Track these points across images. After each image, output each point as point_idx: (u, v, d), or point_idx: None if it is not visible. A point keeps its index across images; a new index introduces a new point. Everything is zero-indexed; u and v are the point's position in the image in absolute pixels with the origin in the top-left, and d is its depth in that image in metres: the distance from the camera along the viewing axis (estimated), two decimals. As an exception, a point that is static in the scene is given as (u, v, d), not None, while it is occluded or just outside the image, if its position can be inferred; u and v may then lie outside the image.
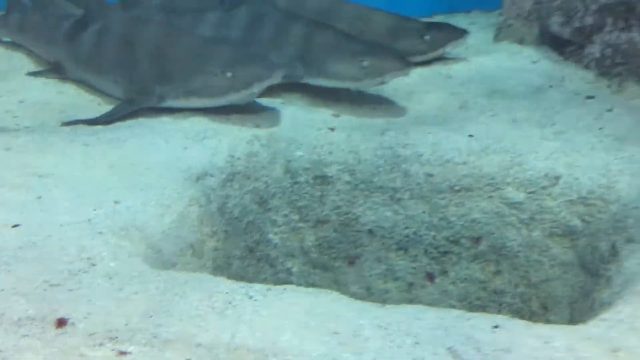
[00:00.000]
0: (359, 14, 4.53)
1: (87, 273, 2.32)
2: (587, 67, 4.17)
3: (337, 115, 3.83)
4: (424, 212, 3.42)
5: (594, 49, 4.15)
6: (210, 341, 2.00)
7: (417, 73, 4.16)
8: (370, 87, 4.00)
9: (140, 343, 1.99)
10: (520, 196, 3.27)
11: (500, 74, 4.29)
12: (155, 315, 2.10)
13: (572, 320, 3.02)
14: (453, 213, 3.38)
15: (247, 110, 3.76)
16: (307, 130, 3.64)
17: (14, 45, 4.92)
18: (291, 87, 4.01)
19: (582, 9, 4.22)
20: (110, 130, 3.54)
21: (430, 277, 3.46)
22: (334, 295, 2.26)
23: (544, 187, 3.24)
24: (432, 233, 3.43)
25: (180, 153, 3.31)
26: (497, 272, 3.35)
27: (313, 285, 3.43)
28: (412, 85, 4.14)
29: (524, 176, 3.27)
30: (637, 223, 2.88)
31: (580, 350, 1.98)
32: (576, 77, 4.16)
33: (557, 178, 3.22)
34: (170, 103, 3.78)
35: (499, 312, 3.27)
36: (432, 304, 3.33)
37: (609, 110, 3.73)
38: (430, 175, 3.39)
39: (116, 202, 2.80)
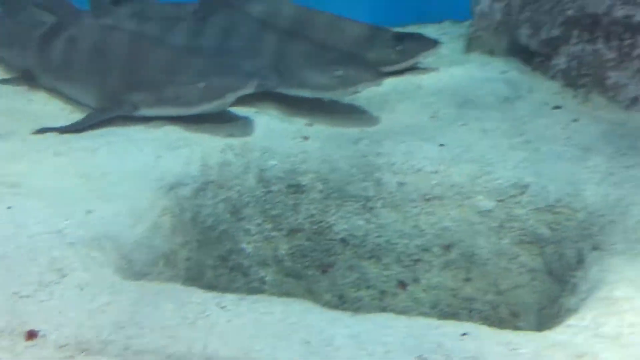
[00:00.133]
0: (331, 23, 4.56)
1: (58, 284, 2.31)
2: (553, 78, 4.23)
3: (310, 125, 3.85)
4: (396, 221, 3.46)
5: (560, 61, 4.21)
6: (183, 352, 2.00)
7: (389, 83, 4.20)
8: (344, 96, 4.03)
9: (112, 355, 1.99)
10: (489, 204, 3.33)
11: (471, 85, 4.35)
12: (127, 326, 2.10)
13: (541, 326, 3.07)
14: (424, 221, 3.42)
15: (220, 120, 3.76)
16: (280, 139, 3.66)
17: (-17, 53, 4.86)
18: (265, 96, 4.02)
19: (549, 21, 4.30)
20: (82, 139, 3.52)
21: (402, 285, 3.50)
22: (306, 304, 2.28)
23: (512, 196, 3.30)
24: (404, 241, 3.47)
25: (153, 162, 3.30)
26: (468, 280, 3.40)
27: (286, 294, 3.44)
28: (385, 94, 4.18)
29: (493, 185, 3.33)
30: (602, 231, 2.96)
31: (546, 357, 2.04)
32: (543, 87, 4.23)
33: (526, 187, 3.29)
34: (143, 112, 3.76)
35: (469, 319, 3.30)
36: (404, 311, 3.36)
37: (575, 120, 3.82)
38: (402, 184, 3.43)
39: (88, 212, 2.78)
